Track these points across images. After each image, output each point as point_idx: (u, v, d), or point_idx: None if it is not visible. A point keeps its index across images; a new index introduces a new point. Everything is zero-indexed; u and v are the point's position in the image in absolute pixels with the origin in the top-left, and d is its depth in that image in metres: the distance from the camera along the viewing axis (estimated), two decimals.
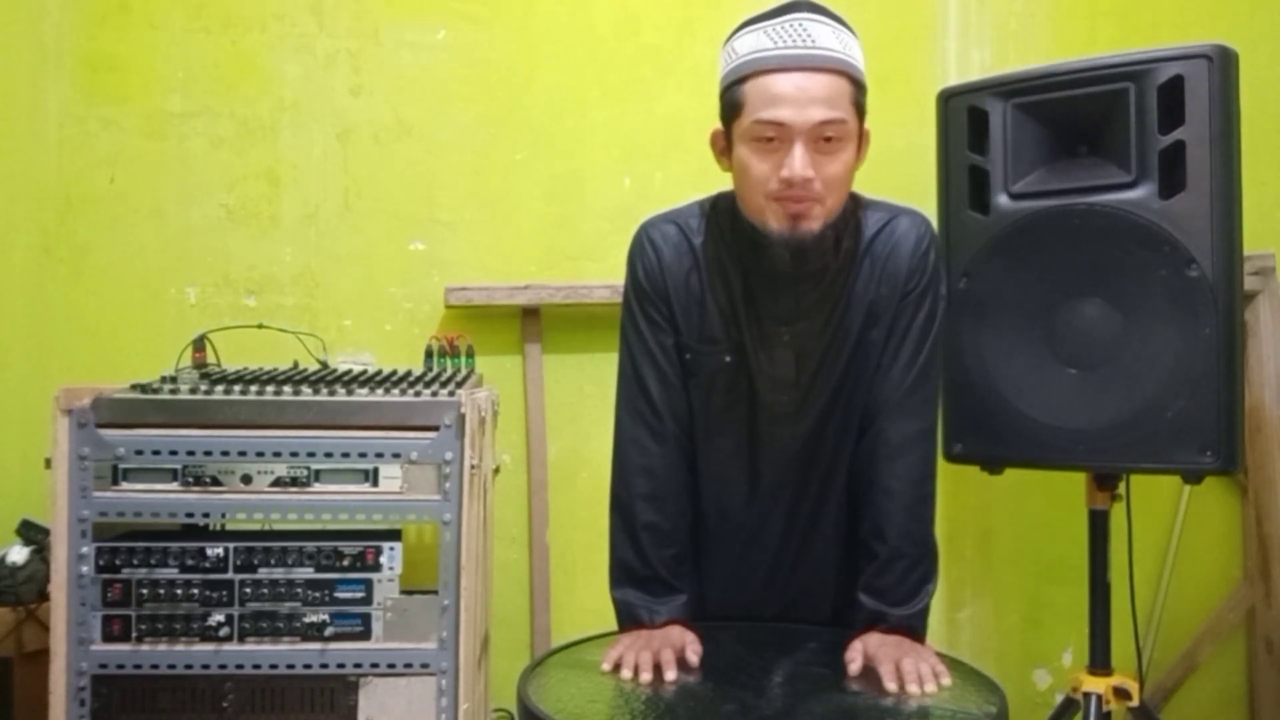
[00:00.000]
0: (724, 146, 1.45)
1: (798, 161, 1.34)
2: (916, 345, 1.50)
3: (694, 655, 1.42)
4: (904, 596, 1.48)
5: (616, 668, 1.40)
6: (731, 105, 1.40)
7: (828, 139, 1.35)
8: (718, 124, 1.45)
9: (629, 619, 1.51)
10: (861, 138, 1.41)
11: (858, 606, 1.50)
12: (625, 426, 1.56)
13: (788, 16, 1.37)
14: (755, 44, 1.37)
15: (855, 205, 1.49)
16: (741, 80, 1.38)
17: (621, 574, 1.54)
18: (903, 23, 2.49)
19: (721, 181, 1.50)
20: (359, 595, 1.74)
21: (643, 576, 1.52)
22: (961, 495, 2.47)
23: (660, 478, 1.53)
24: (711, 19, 2.45)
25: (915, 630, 1.47)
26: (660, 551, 1.52)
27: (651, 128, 2.46)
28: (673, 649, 1.41)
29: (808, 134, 1.34)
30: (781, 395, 1.52)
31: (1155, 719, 2.05)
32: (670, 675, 1.36)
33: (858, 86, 1.38)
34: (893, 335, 1.50)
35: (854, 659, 1.39)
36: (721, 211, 1.51)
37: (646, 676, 1.36)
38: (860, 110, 1.39)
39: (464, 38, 2.45)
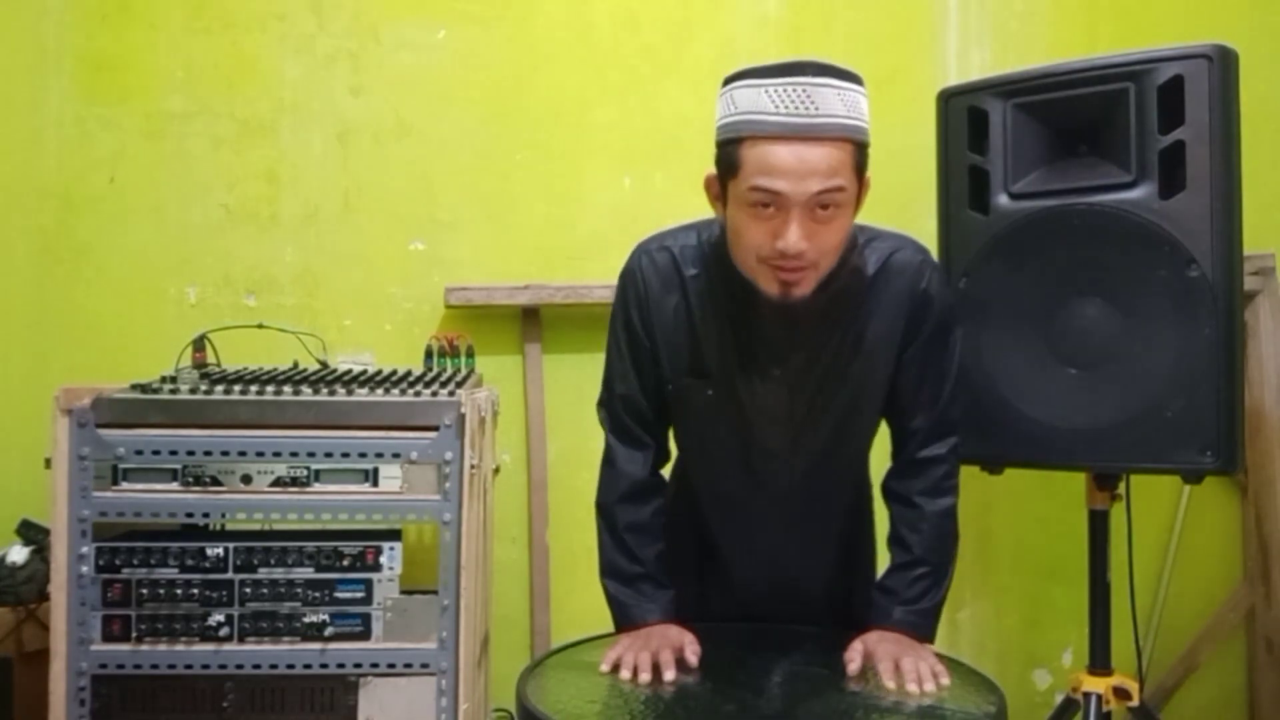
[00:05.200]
0: (718, 193, 1.41)
1: (792, 235, 1.31)
2: (940, 375, 1.54)
3: (693, 655, 1.42)
4: (912, 597, 1.50)
5: (615, 668, 1.40)
6: (728, 163, 1.35)
7: (824, 206, 1.32)
8: (715, 130, 1.41)
9: (623, 618, 1.53)
10: (861, 190, 1.38)
11: (869, 604, 1.53)
12: (605, 434, 1.60)
13: (791, 79, 1.30)
14: (755, 102, 1.31)
15: (853, 243, 1.45)
16: (739, 140, 1.33)
17: (612, 574, 1.56)
18: (903, 23, 2.48)
19: None
20: (359, 595, 1.74)
21: (631, 575, 1.54)
22: (961, 495, 2.46)
23: (638, 480, 1.56)
24: (711, 19, 2.45)
25: (918, 630, 1.48)
26: (645, 551, 1.55)
27: (651, 128, 2.46)
28: (671, 649, 1.42)
29: (804, 204, 1.31)
30: (774, 430, 1.52)
31: (1155, 719, 2.05)
32: (669, 676, 1.37)
33: (860, 148, 1.34)
34: (919, 372, 1.53)
35: (853, 658, 1.40)
36: (716, 243, 1.48)
37: (645, 677, 1.36)
38: (861, 170, 1.35)
39: (464, 38, 2.45)
